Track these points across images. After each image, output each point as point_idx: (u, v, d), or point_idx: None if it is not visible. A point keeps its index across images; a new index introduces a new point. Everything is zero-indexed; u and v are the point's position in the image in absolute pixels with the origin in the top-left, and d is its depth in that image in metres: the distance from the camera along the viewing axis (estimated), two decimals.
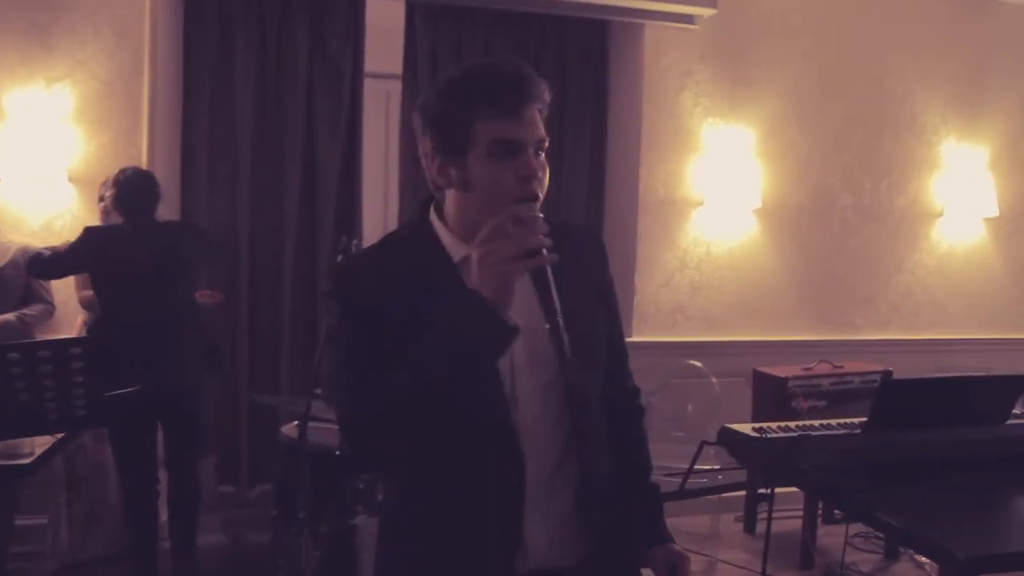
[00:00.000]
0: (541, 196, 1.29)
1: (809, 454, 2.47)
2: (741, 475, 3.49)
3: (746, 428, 2.69)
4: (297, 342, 4.29)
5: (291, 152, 4.25)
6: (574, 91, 4.55)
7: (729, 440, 2.68)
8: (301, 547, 3.05)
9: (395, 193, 4.62)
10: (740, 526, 4.26)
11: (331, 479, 3.10)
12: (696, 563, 3.78)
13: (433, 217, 1.39)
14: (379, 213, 5.27)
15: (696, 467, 2.80)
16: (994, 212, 4.71)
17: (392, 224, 4.79)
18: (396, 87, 4.53)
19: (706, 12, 4.14)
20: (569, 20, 4.42)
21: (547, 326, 1.24)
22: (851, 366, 4.02)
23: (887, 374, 4.00)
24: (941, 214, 4.73)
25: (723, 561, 3.83)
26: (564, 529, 1.35)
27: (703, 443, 2.97)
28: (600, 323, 1.44)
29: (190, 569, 3.39)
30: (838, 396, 3.89)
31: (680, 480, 3.05)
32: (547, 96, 1.32)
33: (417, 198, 4.42)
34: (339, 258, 2.81)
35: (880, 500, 2.29)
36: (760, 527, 4.23)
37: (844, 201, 4.57)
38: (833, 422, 2.77)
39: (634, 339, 4.27)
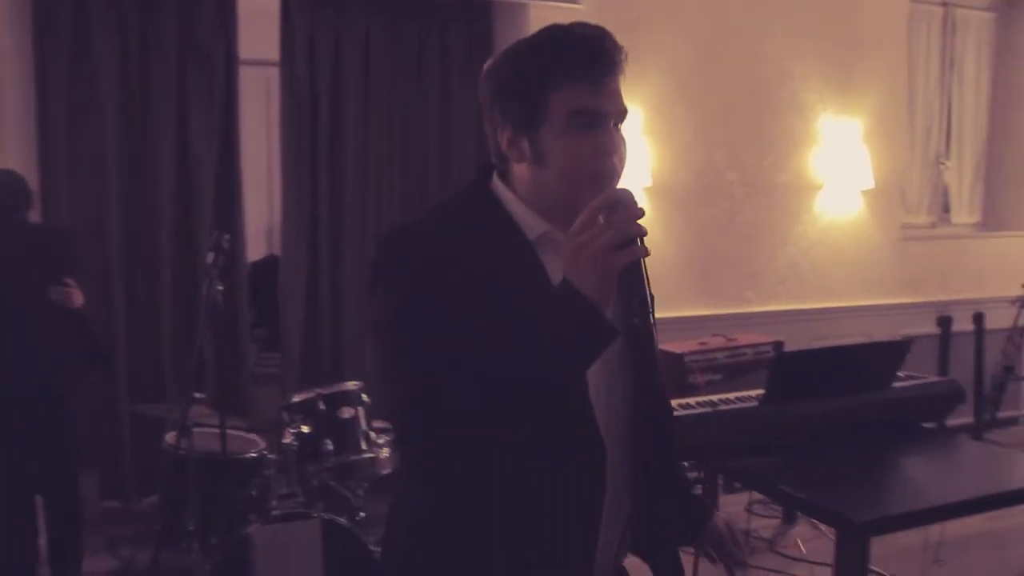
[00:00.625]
0: (621, 172, 1.20)
1: (709, 430, 2.48)
2: None
3: None
4: (178, 346, 4.05)
5: (163, 145, 4.00)
6: (457, 79, 4.45)
7: None
8: (190, 562, 2.87)
9: (279, 185, 4.42)
10: None
11: (219, 488, 2.93)
12: None
13: (499, 185, 1.26)
14: (262, 206, 5.04)
15: None
16: (870, 184, 4.90)
17: (277, 218, 4.58)
18: (277, 74, 4.32)
19: None
20: (452, 5, 4.32)
21: (635, 319, 1.15)
22: (744, 339, 4.10)
23: (779, 345, 4.11)
24: (821, 187, 4.88)
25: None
26: (623, 528, 1.28)
27: None
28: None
29: None
30: (733, 369, 3.96)
31: None
32: (625, 64, 1.23)
33: (300, 188, 4.28)
34: (210, 257, 2.62)
35: (779, 472, 2.33)
36: None
37: (730, 177, 4.66)
38: (731, 396, 2.78)
39: None
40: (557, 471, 1.19)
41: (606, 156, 1.18)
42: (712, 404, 2.70)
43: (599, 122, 1.18)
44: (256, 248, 5.20)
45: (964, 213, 5.77)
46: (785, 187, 4.79)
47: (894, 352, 2.78)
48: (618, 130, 1.21)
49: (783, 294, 4.84)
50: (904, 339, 2.76)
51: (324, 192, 4.29)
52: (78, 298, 3.02)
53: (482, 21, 4.49)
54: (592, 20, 4.30)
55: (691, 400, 2.74)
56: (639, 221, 1.09)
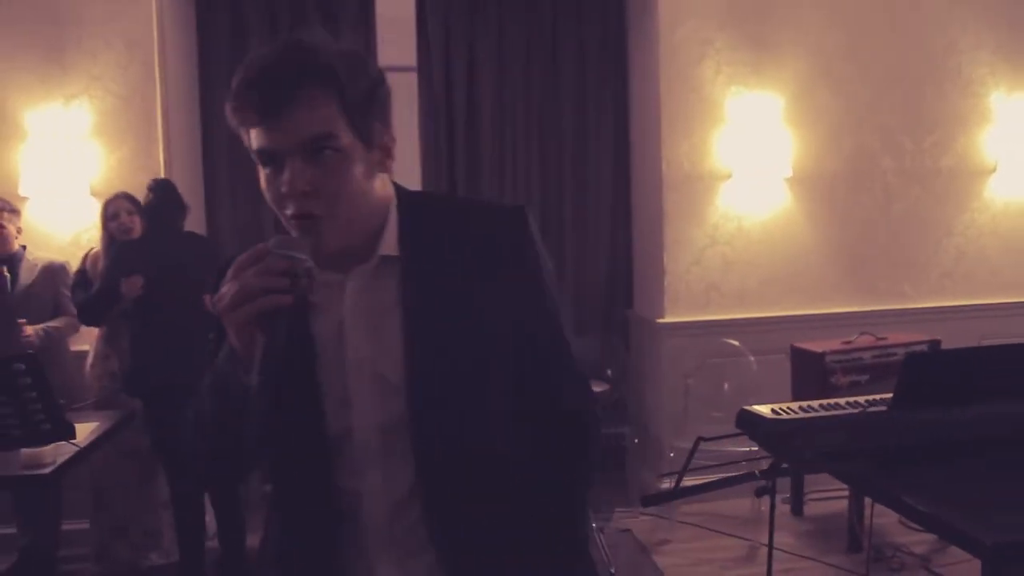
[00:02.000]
0: (334, 206, 1.05)
1: (827, 436, 2.34)
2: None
3: (764, 409, 2.56)
4: None
5: None
6: (594, 70, 4.45)
7: (747, 422, 2.55)
8: None
9: (418, 188, 4.59)
10: (788, 507, 4.10)
11: None
12: (739, 548, 3.69)
13: None
14: None
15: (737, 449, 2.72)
16: None
17: None
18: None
19: None
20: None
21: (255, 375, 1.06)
22: (895, 337, 3.80)
23: (935, 344, 3.78)
24: (994, 170, 4.44)
25: (765, 545, 3.69)
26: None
27: (699, 439, 2.87)
28: (483, 348, 1.14)
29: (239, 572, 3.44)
30: (881, 369, 3.68)
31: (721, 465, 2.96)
32: (334, 78, 1.04)
33: (439, 189, 4.41)
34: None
35: (906, 483, 2.15)
36: (809, 509, 4.07)
37: (884, 164, 4.33)
38: (862, 399, 2.61)
39: (666, 319, 4.15)
40: (305, 512, 1.19)
41: (280, 200, 1.05)
42: (837, 407, 2.54)
43: (279, 161, 1.04)
44: None
45: None
46: (949, 172, 4.40)
47: None
48: (317, 160, 1.03)
49: (948, 289, 4.45)
50: None
51: (462, 192, 4.41)
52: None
53: (616, 13, 4.44)
54: (725, 6, 4.18)
55: (815, 403, 2.60)
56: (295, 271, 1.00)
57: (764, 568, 2.98)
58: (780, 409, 2.54)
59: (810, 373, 3.73)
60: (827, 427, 2.36)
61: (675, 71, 4.09)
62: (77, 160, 3.73)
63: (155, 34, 3.79)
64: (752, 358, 4.02)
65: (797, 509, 4.06)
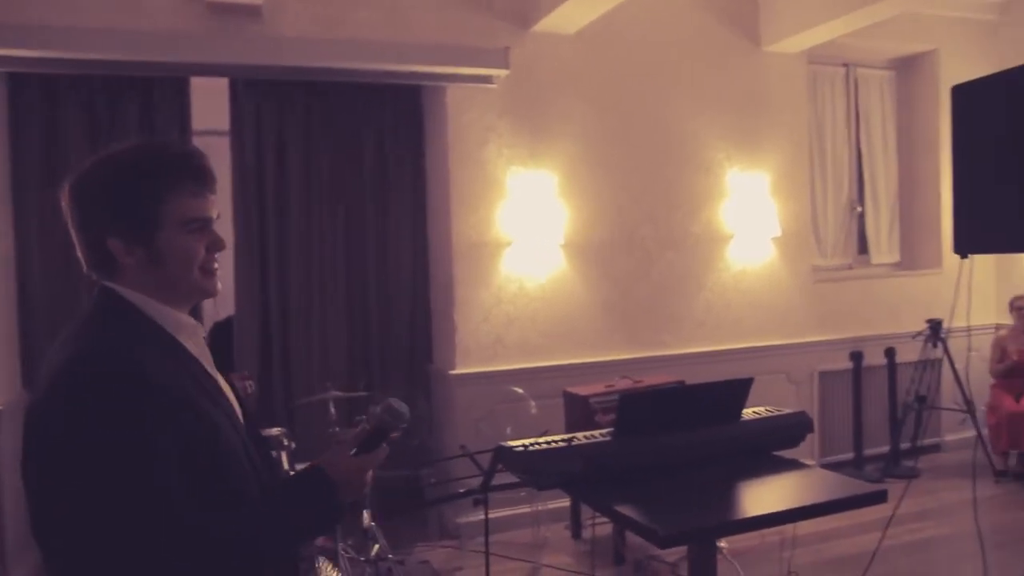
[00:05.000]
0: None
1: (563, 463, 2.88)
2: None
3: (517, 443, 3.07)
4: None
5: None
6: (393, 150, 4.95)
7: (503, 455, 3.06)
8: None
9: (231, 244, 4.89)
10: (568, 533, 4.66)
11: None
12: (522, 570, 4.19)
13: (125, 291, 1.40)
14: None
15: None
16: (777, 232, 5.32)
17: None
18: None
19: (501, 73, 4.62)
20: (384, 87, 4.81)
21: None
22: (649, 380, 4.49)
23: (679, 383, 4.49)
24: (732, 236, 5.31)
25: (545, 565, 4.22)
26: None
27: (461, 447, 3.40)
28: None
29: None
30: None
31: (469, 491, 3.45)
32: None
33: (251, 251, 4.74)
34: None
35: (617, 495, 2.71)
36: (586, 533, 4.65)
37: (644, 232, 5.09)
38: (597, 433, 3.18)
39: (458, 371, 4.66)
40: None
41: (214, 253, 1.42)
42: (576, 440, 3.09)
43: (205, 228, 1.39)
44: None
45: (885, 254, 6.18)
46: (696, 238, 5.22)
47: (737, 389, 3.17)
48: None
49: (701, 337, 5.24)
50: (746, 377, 3.14)
51: (272, 255, 4.75)
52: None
53: (412, 99, 4.98)
54: (505, 97, 4.93)
55: (557, 437, 3.14)
56: None
57: None
58: (528, 443, 3.06)
59: (578, 413, 4.34)
60: (564, 456, 2.90)
61: (463, 152, 4.67)
62: None
63: None
64: (533, 402, 4.58)
65: (576, 533, 4.63)
